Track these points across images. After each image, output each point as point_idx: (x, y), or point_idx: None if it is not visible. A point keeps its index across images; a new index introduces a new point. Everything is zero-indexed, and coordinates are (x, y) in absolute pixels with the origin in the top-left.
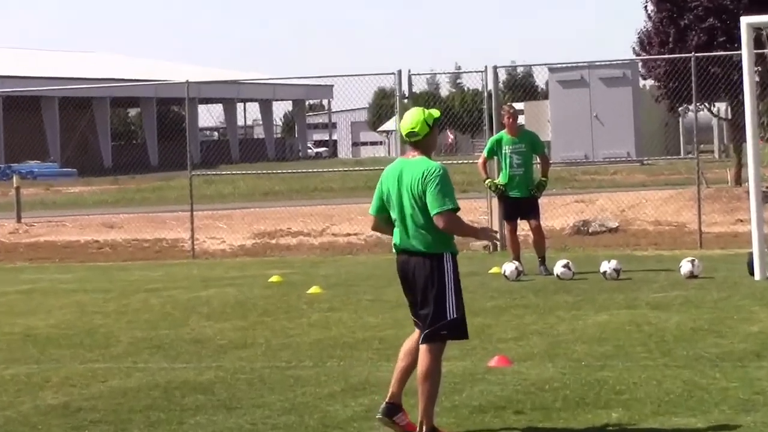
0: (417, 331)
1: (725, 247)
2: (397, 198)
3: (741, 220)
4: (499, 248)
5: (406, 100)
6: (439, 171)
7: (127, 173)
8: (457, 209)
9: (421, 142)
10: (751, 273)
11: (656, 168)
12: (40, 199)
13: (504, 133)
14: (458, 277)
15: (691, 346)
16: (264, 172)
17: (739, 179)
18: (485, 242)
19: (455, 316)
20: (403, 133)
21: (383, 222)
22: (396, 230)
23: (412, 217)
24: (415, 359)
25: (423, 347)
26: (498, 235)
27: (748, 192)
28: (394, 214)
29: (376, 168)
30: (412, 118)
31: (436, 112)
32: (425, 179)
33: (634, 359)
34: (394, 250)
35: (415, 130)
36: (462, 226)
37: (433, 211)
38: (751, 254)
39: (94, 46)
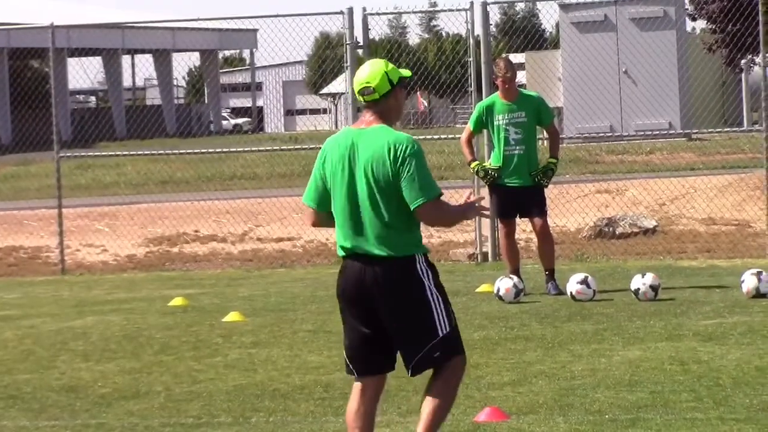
0: (359, 383)
1: None
2: (348, 182)
3: None
4: (490, 257)
5: (360, 51)
6: (414, 146)
7: None
8: (441, 194)
9: (380, 105)
10: None
11: (710, 145)
12: None
13: (497, 97)
14: (439, 279)
15: (755, 392)
16: (161, 152)
17: None
18: (471, 250)
19: (447, 330)
20: (356, 90)
21: (325, 215)
22: (341, 228)
23: (372, 209)
24: (370, 423)
25: (432, 374)
26: (487, 208)
27: None
28: (339, 205)
29: (318, 147)
30: (370, 70)
31: (405, 71)
32: (397, 157)
33: (677, 410)
34: (341, 253)
35: (371, 85)
36: (450, 213)
37: (415, 202)
38: None
39: None
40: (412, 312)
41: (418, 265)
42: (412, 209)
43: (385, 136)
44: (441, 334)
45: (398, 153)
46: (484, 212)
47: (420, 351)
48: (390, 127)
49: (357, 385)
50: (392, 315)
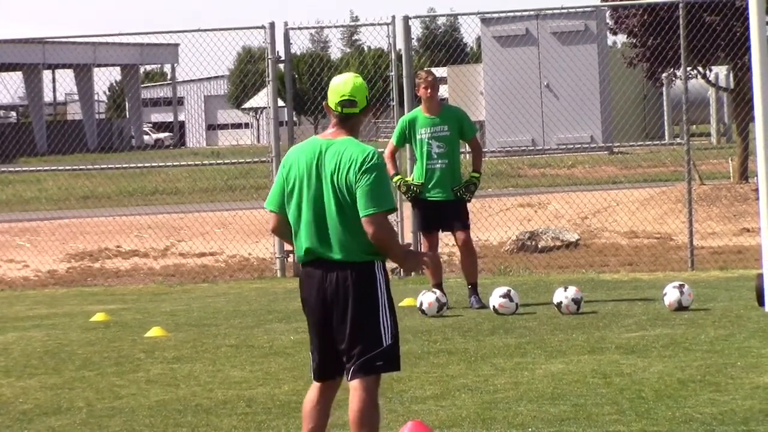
0: (316, 383)
1: (726, 267)
2: (314, 190)
3: (747, 230)
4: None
5: (281, 65)
6: (379, 158)
7: None
8: (394, 210)
9: (354, 119)
10: (761, 303)
11: (631, 158)
12: None
13: (419, 111)
14: (390, 291)
15: (678, 405)
16: (82, 167)
17: (746, 173)
18: (393, 264)
19: (390, 342)
20: (336, 100)
21: (285, 220)
22: (302, 233)
23: (337, 217)
24: (325, 419)
25: (355, 384)
26: (429, 261)
27: (757, 191)
28: (303, 211)
29: (240, 161)
30: (353, 83)
31: None
32: (361, 167)
33: (600, 423)
34: (299, 259)
35: (355, 98)
36: (393, 239)
37: (365, 211)
38: (761, 277)
39: None
40: (362, 317)
41: (377, 272)
42: (361, 217)
43: (352, 147)
44: (384, 344)
45: (363, 164)
46: (426, 264)
47: (362, 357)
48: (356, 139)
49: (315, 384)
50: (343, 317)
